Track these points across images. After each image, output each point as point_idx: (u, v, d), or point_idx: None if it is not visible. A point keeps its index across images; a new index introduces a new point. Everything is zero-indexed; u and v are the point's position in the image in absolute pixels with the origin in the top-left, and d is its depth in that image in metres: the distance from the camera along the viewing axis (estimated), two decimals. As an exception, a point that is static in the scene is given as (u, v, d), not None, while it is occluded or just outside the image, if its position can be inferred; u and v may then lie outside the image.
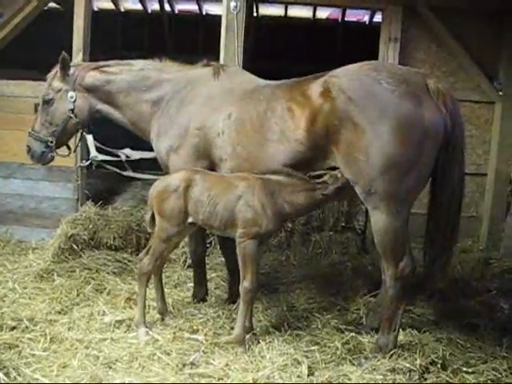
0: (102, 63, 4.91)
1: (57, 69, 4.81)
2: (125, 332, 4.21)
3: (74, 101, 4.77)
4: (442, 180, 3.98)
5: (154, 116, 4.68)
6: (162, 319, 4.39)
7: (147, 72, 4.72)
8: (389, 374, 3.74)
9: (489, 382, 3.83)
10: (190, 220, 4.13)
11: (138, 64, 4.80)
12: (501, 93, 6.57)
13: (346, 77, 3.98)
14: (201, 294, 4.89)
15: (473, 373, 3.90)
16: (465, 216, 6.41)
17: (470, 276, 5.78)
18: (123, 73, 4.75)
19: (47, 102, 4.82)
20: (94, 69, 4.82)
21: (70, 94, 4.76)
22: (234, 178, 4.15)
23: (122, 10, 12.52)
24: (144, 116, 4.73)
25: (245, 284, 3.99)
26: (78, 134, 5.17)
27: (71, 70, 4.79)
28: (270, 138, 4.17)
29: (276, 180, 4.03)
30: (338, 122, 3.89)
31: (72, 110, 4.78)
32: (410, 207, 3.99)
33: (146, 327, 4.18)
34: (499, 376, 3.88)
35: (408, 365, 3.81)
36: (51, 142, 4.85)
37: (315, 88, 4.05)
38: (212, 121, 4.40)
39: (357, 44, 10.05)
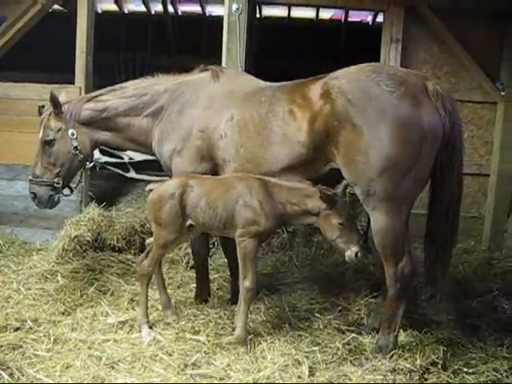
0: (94, 94, 4.89)
1: (49, 110, 4.76)
2: (127, 333, 4.24)
3: (76, 138, 4.72)
4: (441, 181, 3.98)
5: (154, 126, 4.70)
6: (165, 315, 4.42)
7: (142, 90, 4.72)
8: (389, 374, 3.75)
9: (489, 382, 3.83)
10: (188, 223, 4.15)
11: (131, 85, 4.81)
12: (503, 93, 6.56)
13: (346, 79, 4.00)
14: (203, 294, 4.92)
15: (473, 373, 3.91)
16: (467, 216, 6.46)
17: (472, 276, 5.76)
18: (118, 97, 4.74)
19: (48, 144, 4.72)
20: (88, 101, 4.78)
21: (71, 131, 4.70)
22: (231, 179, 4.18)
23: (126, 11, 12.55)
24: (144, 129, 4.74)
25: (245, 283, 4.01)
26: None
27: (64, 107, 4.73)
28: (272, 139, 4.20)
29: (274, 181, 4.06)
30: (338, 124, 3.92)
31: (76, 148, 4.73)
32: (409, 208, 4.00)
33: (149, 327, 4.22)
34: (500, 377, 3.89)
35: (408, 365, 3.83)
36: (58, 184, 4.76)
37: (315, 90, 4.08)
38: (214, 123, 4.43)
39: (360, 44, 10.05)
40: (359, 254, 3.92)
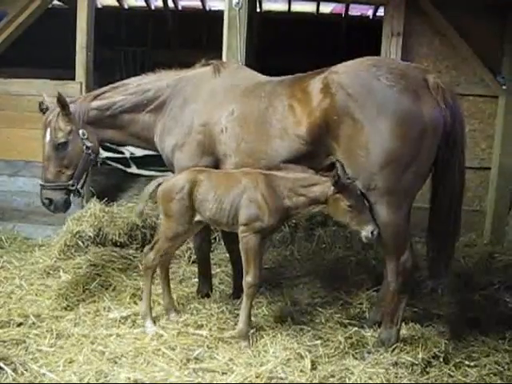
0: (97, 92, 4.83)
1: (56, 110, 4.65)
2: (130, 328, 4.26)
3: (87, 138, 4.68)
4: (442, 175, 3.99)
5: (156, 121, 4.69)
6: (168, 315, 4.41)
7: (145, 86, 4.70)
8: (391, 367, 3.77)
9: (491, 375, 3.85)
10: (197, 218, 4.17)
11: (133, 82, 4.78)
12: (504, 87, 6.55)
13: (346, 73, 4.00)
14: (205, 289, 4.93)
15: (475, 366, 3.94)
16: (468, 210, 6.45)
17: (474, 270, 5.78)
18: (121, 94, 4.71)
19: (61, 146, 4.61)
20: (93, 99, 4.73)
21: (81, 131, 4.63)
22: (238, 173, 4.18)
23: (126, 6, 12.54)
24: (147, 125, 4.73)
25: (248, 279, 4.02)
26: None
27: (71, 107, 4.64)
28: (272, 134, 4.20)
29: (280, 175, 4.06)
30: (338, 118, 3.92)
31: (88, 148, 4.67)
32: (410, 202, 4.01)
33: (153, 320, 4.23)
34: (501, 369, 3.92)
35: (410, 359, 3.85)
36: (72, 186, 4.68)
37: (315, 84, 4.07)
38: (215, 117, 4.43)
39: (361, 38, 10.04)
40: (375, 232, 3.82)
